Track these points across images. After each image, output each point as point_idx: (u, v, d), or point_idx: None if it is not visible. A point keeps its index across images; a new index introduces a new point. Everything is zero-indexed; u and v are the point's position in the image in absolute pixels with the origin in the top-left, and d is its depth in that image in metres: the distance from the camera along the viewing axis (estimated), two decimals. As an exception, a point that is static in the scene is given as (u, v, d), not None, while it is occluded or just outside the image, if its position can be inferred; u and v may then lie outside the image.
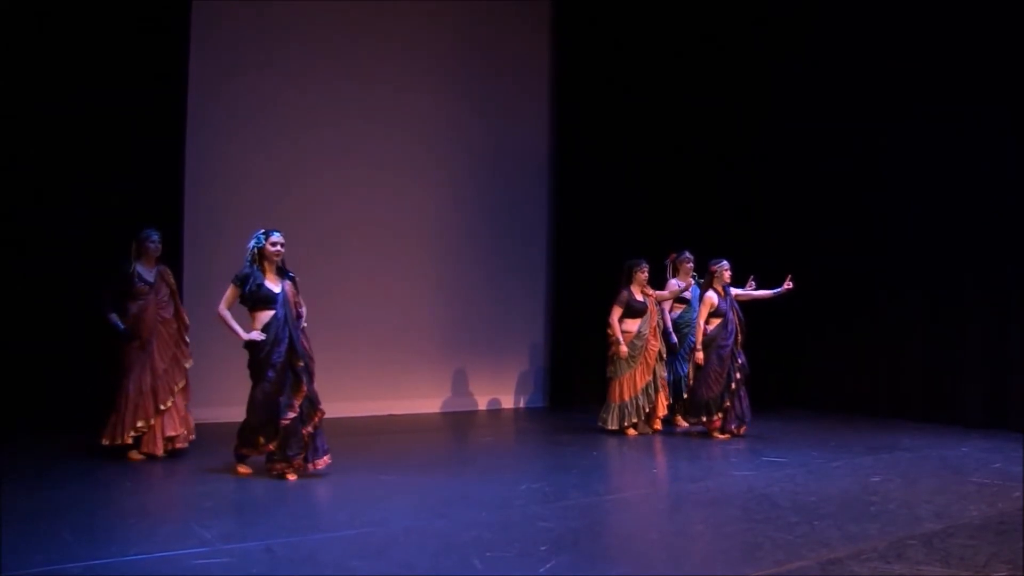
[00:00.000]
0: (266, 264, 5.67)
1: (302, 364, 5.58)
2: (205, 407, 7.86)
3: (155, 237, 6.37)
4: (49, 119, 7.23)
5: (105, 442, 6.14)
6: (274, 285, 5.65)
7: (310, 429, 5.61)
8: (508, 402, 9.96)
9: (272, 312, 5.59)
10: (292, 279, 5.76)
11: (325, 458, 5.68)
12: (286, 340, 5.56)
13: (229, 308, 5.69)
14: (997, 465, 6.52)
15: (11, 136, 7.05)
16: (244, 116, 8.35)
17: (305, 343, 5.68)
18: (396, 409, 9.02)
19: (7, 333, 6.92)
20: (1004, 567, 3.93)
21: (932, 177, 8.96)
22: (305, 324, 5.77)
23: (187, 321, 6.49)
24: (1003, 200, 8.41)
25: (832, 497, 5.34)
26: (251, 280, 5.61)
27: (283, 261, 5.74)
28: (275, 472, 5.56)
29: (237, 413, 7.93)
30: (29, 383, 7.02)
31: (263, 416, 5.55)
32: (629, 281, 7.86)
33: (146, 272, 6.32)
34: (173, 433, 6.26)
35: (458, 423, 8.85)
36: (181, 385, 6.35)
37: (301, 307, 5.77)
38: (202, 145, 8.02)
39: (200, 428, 7.23)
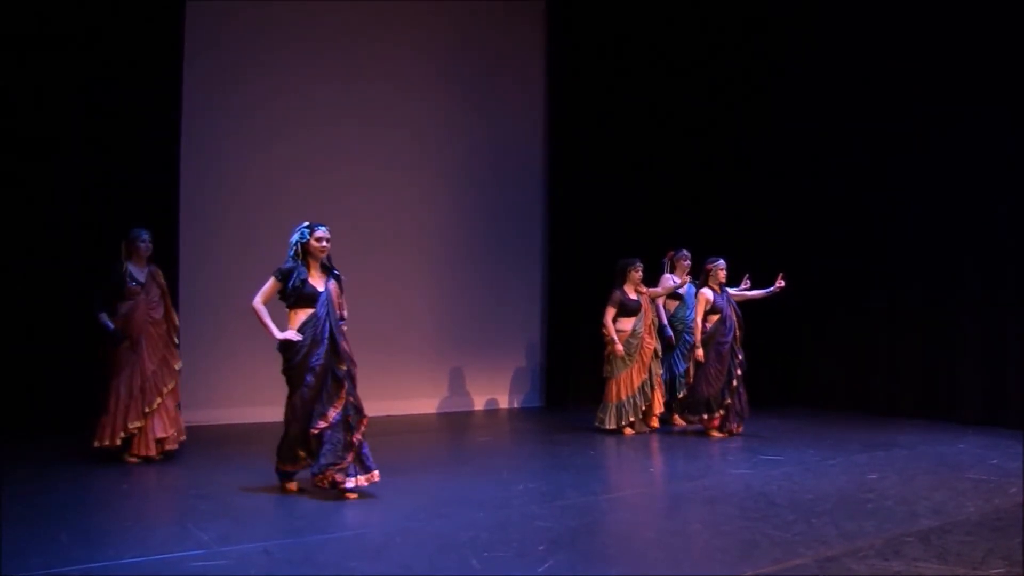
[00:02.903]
0: (310, 260, 5.25)
1: (344, 368, 5.17)
2: (199, 409, 7.86)
3: (145, 236, 6.32)
4: (45, 120, 7.21)
5: (96, 444, 6.09)
6: (318, 283, 5.24)
7: (359, 436, 5.18)
8: (505, 402, 9.96)
9: (312, 311, 5.19)
10: (337, 277, 5.35)
11: (374, 473, 5.21)
12: (326, 342, 5.13)
13: (265, 303, 5.24)
14: (994, 461, 6.53)
15: (5, 137, 7.03)
16: (239, 116, 8.34)
17: (346, 346, 5.23)
18: (393, 410, 9.02)
19: (3, 336, 6.90)
20: (1001, 563, 3.93)
21: (932, 177, 8.98)
22: (345, 327, 5.34)
23: (177, 323, 6.46)
24: (1002, 200, 8.43)
25: (829, 495, 5.35)
26: (295, 276, 5.17)
27: (328, 258, 5.34)
28: (324, 484, 5.11)
29: (231, 415, 8.02)
30: (26, 386, 7.01)
31: (303, 426, 5.14)
32: (623, 280, 7.88)
33: (137, 272, 6.27)
34: (163, 435, 6.19)
35: (455, 423, 8.85)
36: (170, 387, 6.28)
37: (343, 308, 5.36)
38: (197, 145, 8.00)
39: (194, 430, 7.22)
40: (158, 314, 6.30)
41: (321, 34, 8.77)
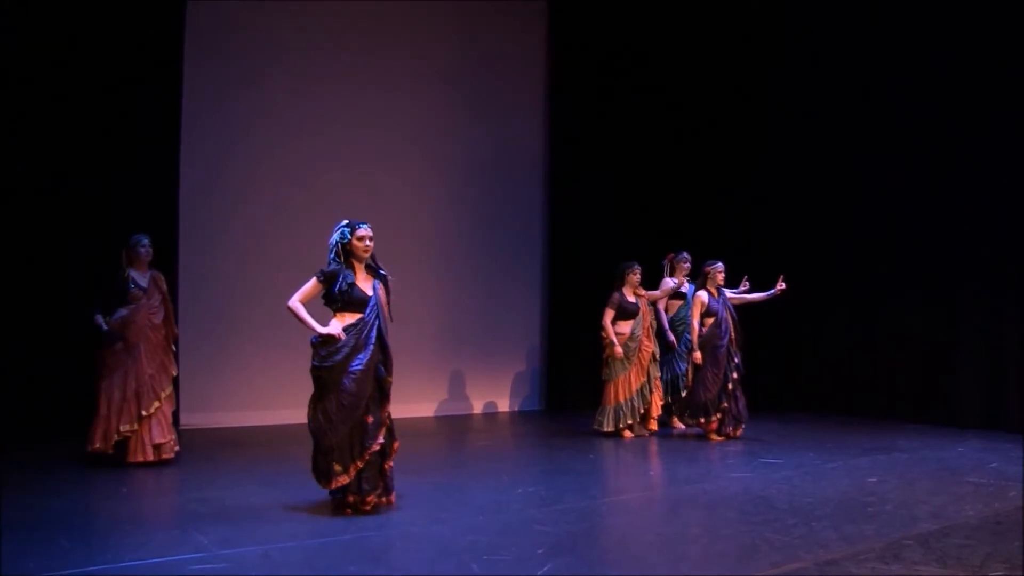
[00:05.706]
0: (354, 261, 4.90)
1: (390, 380, 4.89)
2: (199, 413, 7.86)
3: (145, 242, 6.33)
4: (44, 124, 7.21)
5: (90, 449, 6.05)
6: (366, 286, 4.90)
7: (391, 463, 4.94)
8: (504, 405, 9.95)
9: (360, 316, 4.83)
10: (384, 278, 4.99)
11: (392, 495, 4.97)
12: (371, 347, 4.78)
13: (303, 304, 4.88)
14: (993, 465, 6.53)
15: (4, 141, 7.03)
16: (239, 120, 8.35)
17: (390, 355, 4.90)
18: (392, 413, 8.97)
19: (2, 340, 6.89)
20: (1001, 567, 3.93)
21: (932, 178, 8.97)
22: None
23: (176, 330, 6.45)
24: (1002, 200, 8.42)
25: (829, 498, 5.34)
26: (340, 279, 4.81)
27: (373, 257, 4.99)
28: (342, 507, 4.84)
29: (230, 419, 8.00)
30: (25, 390, 6.99)
31: (338, 436, 4.74)
32: (622, 283, 7.89)
33: (139, 278, 6.28)
34: (161, 440, 6.17)
35: (454, 427, 8.84)
36: (168, 392, 6.27)
37: (388, 312, 5.00)
38: (197, 150, 8.01)
39: (194, 433, 7.23)
40: (158, 319, 6.29)
41: (321, 39, 8.77)
